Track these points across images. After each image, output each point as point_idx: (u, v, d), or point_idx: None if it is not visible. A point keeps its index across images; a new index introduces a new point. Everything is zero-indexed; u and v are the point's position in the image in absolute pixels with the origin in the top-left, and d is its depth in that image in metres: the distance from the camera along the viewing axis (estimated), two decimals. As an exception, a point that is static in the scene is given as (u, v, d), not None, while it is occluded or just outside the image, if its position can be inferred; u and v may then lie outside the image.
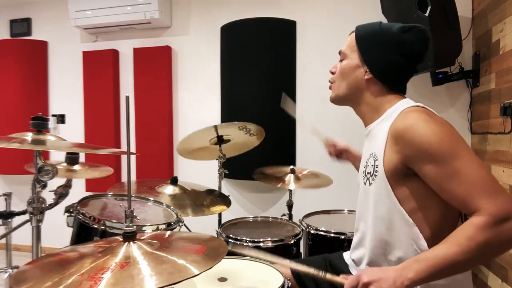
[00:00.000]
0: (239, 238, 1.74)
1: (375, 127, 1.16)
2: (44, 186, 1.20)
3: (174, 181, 2.04)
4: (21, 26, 3.67)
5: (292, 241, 1.77)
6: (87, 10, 3.20)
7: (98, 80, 3.41)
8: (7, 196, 2.03)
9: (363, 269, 1.17)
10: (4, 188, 3.68)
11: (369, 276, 0.92)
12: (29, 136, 1.29)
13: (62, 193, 1.34)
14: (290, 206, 2.31)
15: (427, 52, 1.16)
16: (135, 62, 3.34)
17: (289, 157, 2.98)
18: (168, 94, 3.28)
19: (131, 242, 0.85)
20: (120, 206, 1.64)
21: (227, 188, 3.13)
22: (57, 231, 2.24)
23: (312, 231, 1.84)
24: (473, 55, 2.50)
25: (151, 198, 1.81)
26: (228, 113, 3.07)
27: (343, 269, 1.29)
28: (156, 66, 3.27)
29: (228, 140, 2.22)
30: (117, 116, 3.44)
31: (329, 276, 1.01)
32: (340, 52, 1.24)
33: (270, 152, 2.85)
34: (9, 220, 1.89)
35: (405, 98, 1.16)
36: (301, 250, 1.92)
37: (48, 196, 1.26)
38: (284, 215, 2.25)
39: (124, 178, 3.46)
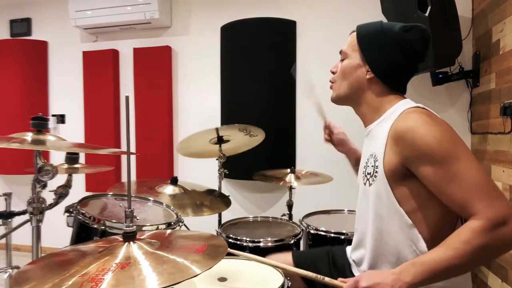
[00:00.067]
0: (239, 238, 1.74)
1: (375, 127, 1.16)
2: (44, 186, 1.20)
3: (174, 181, 2.04)
4: (21, 26, 3.67)
5: (292, 241, 1.77)
6: (87, 10, 3.20)
7: (98, 80, 3.41)
8: (7, 196, 2.03)
9: (364, 269, 1.17)
10: (4, 188, 3.68)
11: (367, 280, 0.93)
12: (29, 136, 1.29)
13: (62, 193, 1.34)
14: (290, 206, 2.31)
15: (428, 51, 1.16)
16: (135, 62, 3.34)
17: (289, 157, 2.98)
18: (168, 94, 3.27)
19: (131, 242, 0.84)
20: (120, 206, 1.64)
21: (227, 188, 3.12)
22: (57, 231, 2.24)
23: (312, 231, 1.84)
24: (473, 55, 2.50)
25: (151, 198, 1.81)
26: (228, 113, 3.07)
27: (345, 268, 1.29)
28: (156, 66, 3.27)
29: (228, 140, 2.22)
30: (117, 116, 3.44)
31: (327, 279, 1.03)
32: (341, 52, 1.23)
33: (270, 152, 2.84)
34: (9, 220, 1.89)
35: (405, 98, 1.16)
36: (301, 250, 1.92)
37: (48, 196, 1.26)
38: (284, 215, 2.25)
39: (124, 178, 3.46)
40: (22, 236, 2.01)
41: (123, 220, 1.41)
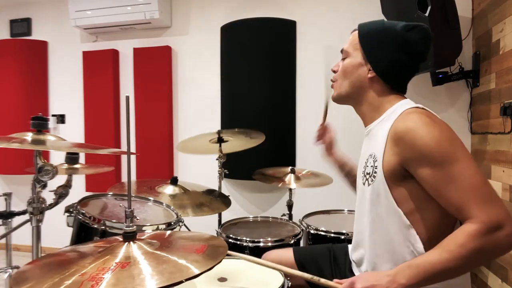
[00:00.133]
0: (239, 238, 1.74)
1: (375, 127, 1.16)
2: (44, 186, 1.20)
3: (174, 181, 2.04)
4: (21, 26, 3.67)
5: (292, 241, 1.77)
6: (87, 10, 3.20)
7: (98, 80, 3.41)
8: (7, 196, 2.03)
9: (364, 270, 1.17)
10: (4, 188, 3.68)
11: (363, 282, 0.94)
12: (29, 136, 1.29)
13: (62, 193, 1.34)
14: (290, 206, 2.31)
15: (429, 51, 1.16)
16: (135, 62, 3.34)
17: (289, 157, 2.98)
18: (168, 94, 3.27)
19: (131, 242, 0.85)
20: (120, 206, 1.64)
21: (227, 188, 3.12)
22: (57, 231, 2.24)
23: (312, 231, 1.84)
24: (473, 55, 2.50)
25: (151, 198, 1.81)
26: (228, 113, 3.07)
27: (346, 266, 1.30)
28: (156, 66, 3.27)
29: (228, 140, 2.23)
30: (117, 116, 3.44)
31: (323, 280, 1.03)
32: (342, 51, 1.23)
33: (270, 152, 2.84)
34: (9, 220, 1.89)
35: (406, 98, 1.16)
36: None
37: (48, 196, 1.26)
38: (284, 215, 2.25)
39: (124, 178, 3.46)
40: (22, 236, 2.01)
41: (123, 220, 1.41)
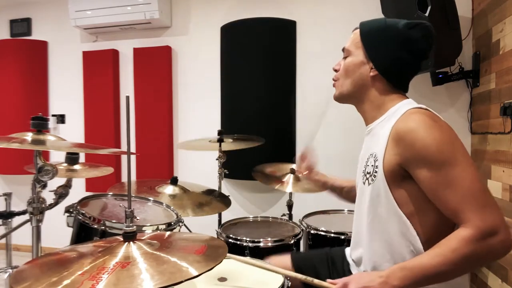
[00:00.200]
0: (239, 238, 1.74)
1: (376, 126, 1.16)
2: (44, 186, 1.20)
3: (174, 181, 2.04)
4: (21, 26, 3.67)
5: (292, 241, 1.77)
6: (87, 10, 3.20)
7: (98, 80, 3.40)
8: (7, 196, 2.03)
9: (363, 270, 1.17)
10: (4, 188, 3.67)
11: (356, 283, 0.95)
12: (29, 136, 1.29)
13: (62, 193, 1.34)
14: (290, 206, 2.31)
15: (431, 49, 1.15)
16: (135, 62, 3.34)
17: (289, 157, 2.97)
18: (168, 94, 3.27)
19: (131, 242, 0.84)
20: (120, 206, 1.64)
21: (227, 188, 3.12)
22: (57, 231, 2.24)
23: (312, 231, 1.84)
24: (473, 55, 2.50)
25: (151, 198, 1.81)
26: (228, 113, 3.07)
27: (344, 269, 1.29)
28: (156, 66, 3.27)
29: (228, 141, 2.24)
30: (117, 116, 3.44)
31: (316, 281, 1.04)
32: (343, 49, 1.22)
33: (270, 152, 2.84)
34: (9, 220, 1.89)
35: (408, 98, 1.16)
36: (301, 250, 1.92)
37: (48, 196, 1.26)
38: (284, 215, 2.25)
39: (124, 178, 3.46)
40: (22, 236, 2.01)
41: (123, 220, 1.41)
